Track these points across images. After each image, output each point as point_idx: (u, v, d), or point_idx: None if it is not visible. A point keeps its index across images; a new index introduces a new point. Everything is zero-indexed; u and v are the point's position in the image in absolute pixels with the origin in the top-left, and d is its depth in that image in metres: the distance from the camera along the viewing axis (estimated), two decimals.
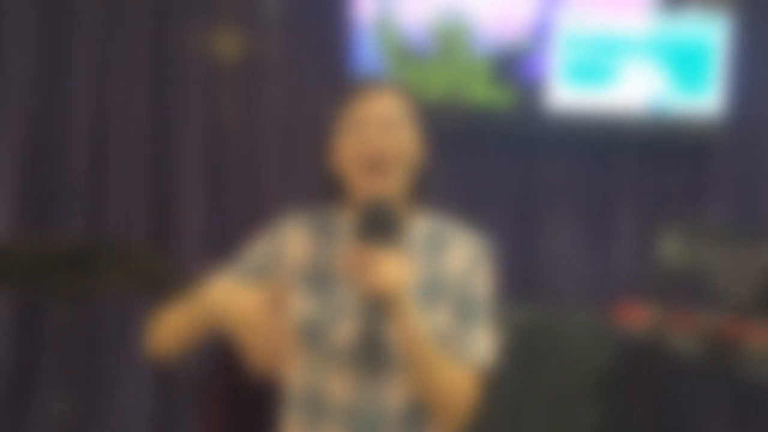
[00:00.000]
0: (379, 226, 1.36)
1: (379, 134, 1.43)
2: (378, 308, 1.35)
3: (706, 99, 3.31)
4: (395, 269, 1.33)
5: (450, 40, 3.27)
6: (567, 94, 3.30)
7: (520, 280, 3.36)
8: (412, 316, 1.36)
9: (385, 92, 1.49)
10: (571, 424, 3.02)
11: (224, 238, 3.35)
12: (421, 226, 1.53)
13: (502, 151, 3.41)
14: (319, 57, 3.35)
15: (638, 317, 2.98)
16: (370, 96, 1.47)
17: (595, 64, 3.30)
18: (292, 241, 1.53)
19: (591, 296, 3.36)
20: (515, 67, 3.29)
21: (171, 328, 1.50)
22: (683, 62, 3.31)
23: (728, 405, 3.39)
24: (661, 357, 2.93)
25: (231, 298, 1.36)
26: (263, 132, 3.34)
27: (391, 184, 1.44)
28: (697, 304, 2.96)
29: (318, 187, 1.55)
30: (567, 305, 3.32)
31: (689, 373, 3.28)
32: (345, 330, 1.44)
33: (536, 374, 3.01)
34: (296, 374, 1.51)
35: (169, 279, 2.52)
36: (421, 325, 1.39)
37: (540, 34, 3.29)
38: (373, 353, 1.42)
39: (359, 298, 1.37)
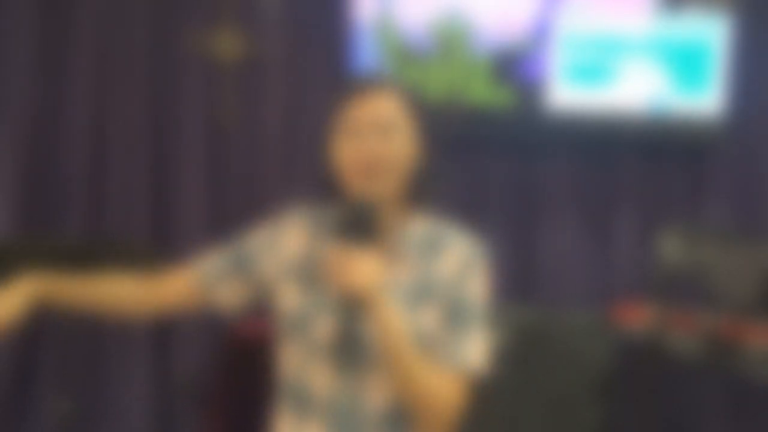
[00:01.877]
0: (359, 225, 1.37)
1: (374, 139, 1.43)
2: (352, 307, 1.36)
3: (706, 99, 3.32)
4: (369, 269, 1.34)
5: (450, 40, 3.27)
6: (567, 94, 3.30)
7: (520, 280, 3.36)
8: (387, 315, 1.36)
9: (383, 93, 1.47)
10: (571, 424, 3.02)
11: (224, 237, 3.34)
12: (416, 228, 1.52)
13: (502, 152, 3.41)
14: (319, 57, 3.35)
15: (638, 317, 2.98)
16: (367, 97, 1.46)
17: (595, 64, 3.30)
18: (290, 234, 1.55)
19: (591, 296, 3.36)
20: (515, 67, 3.29)
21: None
22: (683, 62, 3.31)
23: (728, 405, 3.40)
24: (661, 357, 2.93)
25: None
26: (263, 132, 3.34)
27: (384, 188, 1.44)
28: (697, 304, 2.96)
29: (317, 185, 1.56)
30: (567, 305, 3.32)
31: (689, 373, 3.28)
32: (326, 325, 1.44)
33: (536, 374, 3.00)
34: (286, 366, 1.52)
35: None
36: (399, 325, 1.38)
37: (540, 35, 3.28)
38: (351, 350, 1.42)
39: (336, 295, 1.38)
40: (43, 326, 3.25)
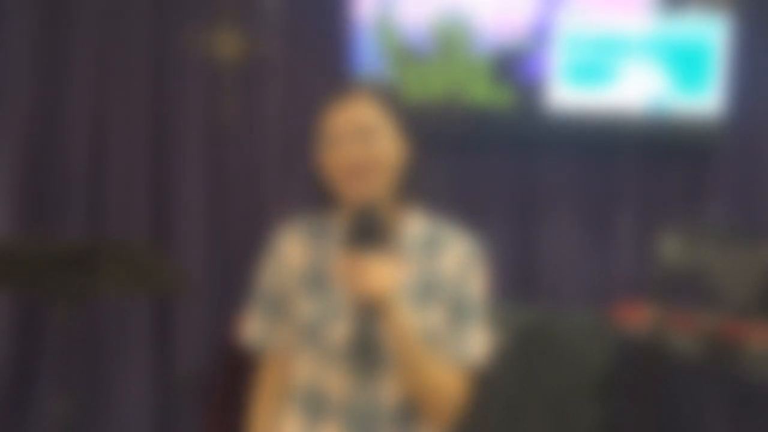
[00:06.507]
0: (368, 231, 1.39)
1: (356, 144, 1.46)
2: (369, 311, 1.38)
3: (706, 99, 3.32)
4: (384, 274, 1.36)
5: (450, 40, 3.27)
6: (567, 94, 3.30)
7: (520, 280, 3.36)
8: (401, 318, 1.40)
9: (360, 99, 1.50)
10: (571, 424, 3.02)
11: (224, 238, 3.35)
12: (415, 227, 1.55)
13: (502, 152, 3.41)
14: (319, 57, 3.35)
15: (638, 317, 2.98)
16: (345, 105, 1.50)
17: (596, 64, 3.30)
18: (289, 248, 1.56)
19: (591, 296, 3.36)
20: (515, 67, 3.29)
21: None
22: (683, 62, 3.31)
23: (728, 405, 3.39)
24: (661, 357, 2.93)
25: None
26: (263, 132, 3.34)
27: (373, 189, 1.46)
28: (697, 304, 2.96)
29: (313, 192, 1.57)
30: (567, 305, 3.32)
31: (689, 373, 3.28)
32: (340, 330, 1.47)
33: (536, 374, 3.01)
34: (298, 373, 1.55)
35: (169, 279, 2.52)
36: (411, 326, 1.42)
37: (540, 34, 3.29)
38: (367, 352, 1.46)
39: (351, 301, 1.41)
40: (43, 326, 3.26)
